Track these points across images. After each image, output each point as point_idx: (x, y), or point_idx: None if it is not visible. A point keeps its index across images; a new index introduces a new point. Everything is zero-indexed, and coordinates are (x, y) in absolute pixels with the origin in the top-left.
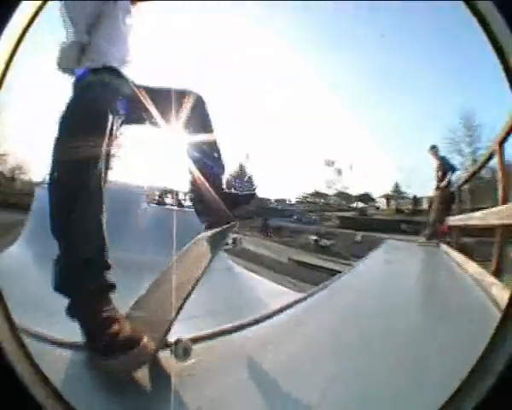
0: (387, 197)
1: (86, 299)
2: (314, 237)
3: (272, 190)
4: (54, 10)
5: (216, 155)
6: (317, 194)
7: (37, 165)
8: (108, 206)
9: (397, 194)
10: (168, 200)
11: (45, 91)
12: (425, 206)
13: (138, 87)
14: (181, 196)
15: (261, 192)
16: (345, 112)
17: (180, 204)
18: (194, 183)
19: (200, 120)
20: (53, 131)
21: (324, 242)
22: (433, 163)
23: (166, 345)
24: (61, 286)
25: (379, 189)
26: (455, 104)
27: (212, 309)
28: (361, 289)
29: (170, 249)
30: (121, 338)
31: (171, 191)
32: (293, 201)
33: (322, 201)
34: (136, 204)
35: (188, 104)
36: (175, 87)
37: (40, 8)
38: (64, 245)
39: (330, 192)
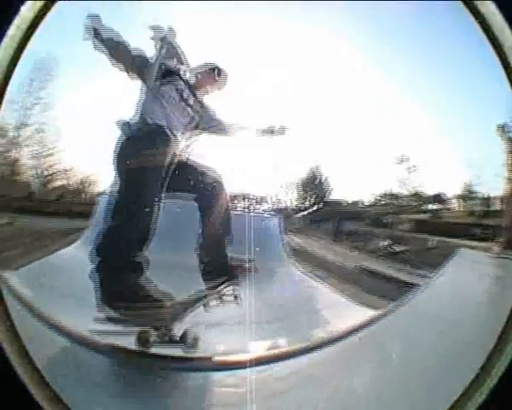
0: (459, 198)
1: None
2: (386, 243)
3: (345, 192)
4: (57, 10)
5: None
6: (389, 195)
7: (101, 177)
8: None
9: (468, 193)
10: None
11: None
12: (498, 207)
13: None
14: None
15: (334, 194)
16: (405, 104)
17: (249, 208)
18: None
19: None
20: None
21: (395, 248)
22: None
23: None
24: (105, 250)
25: (450, 188)
26: None
27: (267, 318)
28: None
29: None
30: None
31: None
32: (366, 203)
33: (395, 202)
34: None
35: None
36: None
37: (45, 9)
38: (120, 221)
39: (402, 192)
